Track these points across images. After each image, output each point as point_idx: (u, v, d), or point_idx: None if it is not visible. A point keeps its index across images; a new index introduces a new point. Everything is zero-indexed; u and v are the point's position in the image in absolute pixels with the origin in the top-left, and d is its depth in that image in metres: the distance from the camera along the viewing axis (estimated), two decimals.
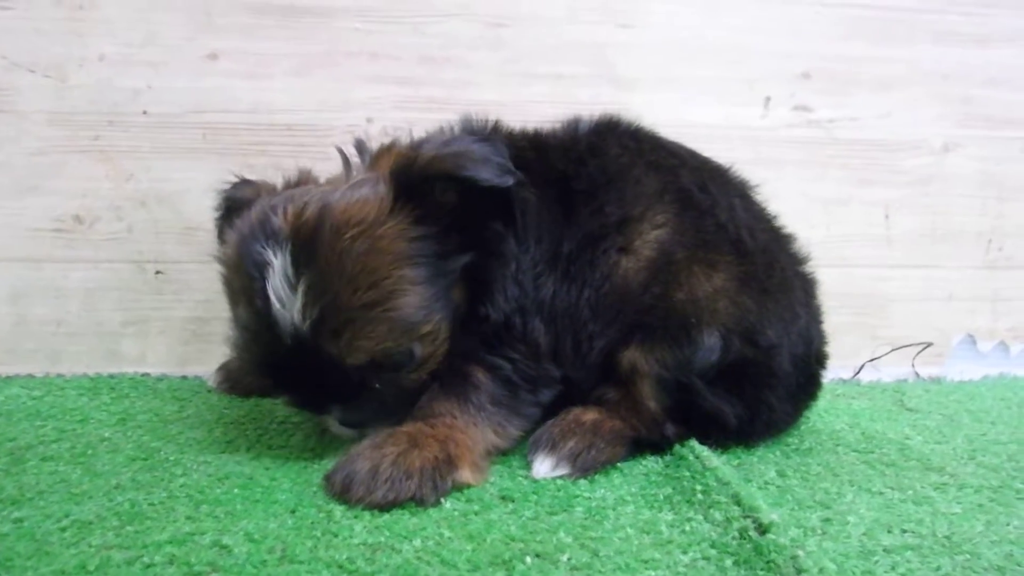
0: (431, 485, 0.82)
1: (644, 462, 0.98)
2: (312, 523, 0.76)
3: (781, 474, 0.96)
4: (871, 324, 1.47)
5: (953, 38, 1.43)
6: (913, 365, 1.49)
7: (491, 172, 0.89)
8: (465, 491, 0.85)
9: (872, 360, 1.46)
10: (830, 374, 1.33)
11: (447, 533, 0.75)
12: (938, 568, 0.74)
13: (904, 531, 0.81)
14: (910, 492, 0.92)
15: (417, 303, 0.88)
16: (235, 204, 0.99)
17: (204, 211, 1.28)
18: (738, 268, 1.00)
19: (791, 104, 1.40)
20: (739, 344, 0.97)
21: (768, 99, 1.40)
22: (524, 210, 0.96)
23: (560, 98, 1.33)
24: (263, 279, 0.84)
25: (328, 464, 0.90)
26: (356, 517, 0.78)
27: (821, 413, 1.21)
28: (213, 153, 1.28)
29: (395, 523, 0.77)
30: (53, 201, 1.26)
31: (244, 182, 1.04)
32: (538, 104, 1.33)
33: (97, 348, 1.29)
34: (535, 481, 0.90)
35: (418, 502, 0.80)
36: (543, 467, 0.92)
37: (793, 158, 1.41)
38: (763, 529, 0.76)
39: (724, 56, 1.38)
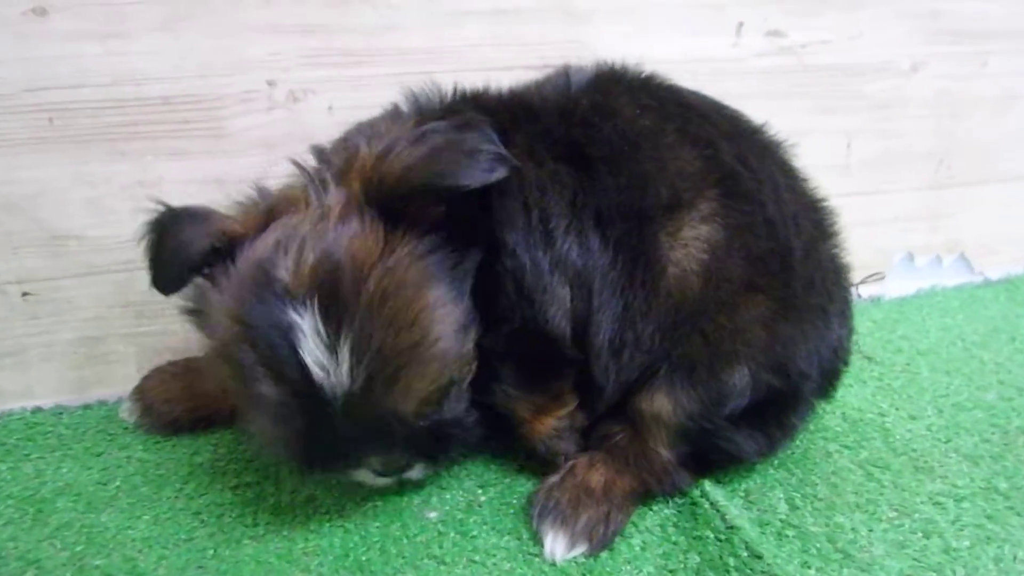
0: None
1: (655, 509, 0.86)
2: None
3: (791, 505, 0.88)
4: None
5: None
6: (856, 288, 1.40)
7: (480, 169, 0.69)
8: None
9: None
10: None
11: None
12: None
13: None
14: (916, 518, 0.86)
15: (455, 325, 0.74)
16: (178, 249, 0.73)
17: (73, 214, 0.97)
18: (782, 289, 0.81)
19: (764, 30, 1.15)
20: (767, 378, 0.81)
21: (741, 25, 1.13)
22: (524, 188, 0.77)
23: (503, 39, 1.04)
24: (292, 347, 0.68)
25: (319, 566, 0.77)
26: None
27: None
28: (68, 141, 0.93)
29: None
30: None
31: (176, 215, 0.76)
32: (477, 48, 1.04)
33: None
34: (555, 566, 0.78)
35: None
36: (558, 548, 0.79)
37: (760, 90, 1.19)
38: None
39: None
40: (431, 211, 0.72)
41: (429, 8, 0.99)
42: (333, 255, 0.69)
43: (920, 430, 1.02)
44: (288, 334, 0.68)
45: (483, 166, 0.68)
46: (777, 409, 0.85)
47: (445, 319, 0.72)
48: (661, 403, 0.80)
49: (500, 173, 0.69)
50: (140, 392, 0.99)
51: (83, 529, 0.81)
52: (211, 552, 0.78)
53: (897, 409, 1.07)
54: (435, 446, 0.77)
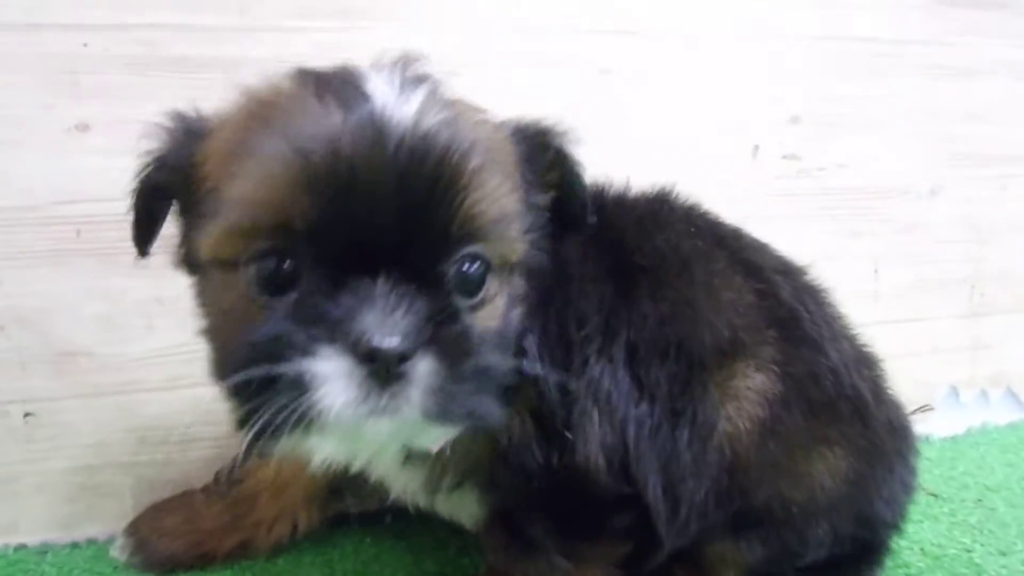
0: None
1: None
2: None
3: None
4: None
5: (937, 70, 1.23)
6: None
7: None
8: None
9: None
10: None
11: None
12: None
13: None
14: None
15: (517, 210, 0.60)
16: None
17: (84, 329, 0.92)
18: (861, 440, 0.73)
19: (780, 153, 1.16)
20: (851, 530, 0.72)
21: (756, 148, 1.14)
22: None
23: None
24: (358, 88, 0.55)
25: None
26: None
27: None
28: (91, 254, 0.90)
29: None
30: None
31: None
32: None
33: None
34: None
35: None
36: None
37: (782, 212, 1.18)
38: None
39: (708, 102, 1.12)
40: (549, 176, 0.65)
41: None
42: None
43: (1015, 564, 0.88)
44: (357, 83, 0.56)
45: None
46: (858, 561, 0.75)
47: (514, 200, 0.59)
48: (725, 549, 0.71)
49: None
50: (134, 527, 0.89)
51: None
52: None
53: (982, 545, 0.93)
54: (452, 348, 0.54)
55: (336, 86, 0.56)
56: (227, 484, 0.89)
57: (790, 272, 0.79)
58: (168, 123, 0.64)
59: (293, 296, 0.54)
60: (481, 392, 0.56)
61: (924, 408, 1.29)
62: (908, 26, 1.21)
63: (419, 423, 0.54)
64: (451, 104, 0.58)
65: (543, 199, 0.65)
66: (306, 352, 0.51)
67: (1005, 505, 1.04)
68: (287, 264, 0.54)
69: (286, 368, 0.51)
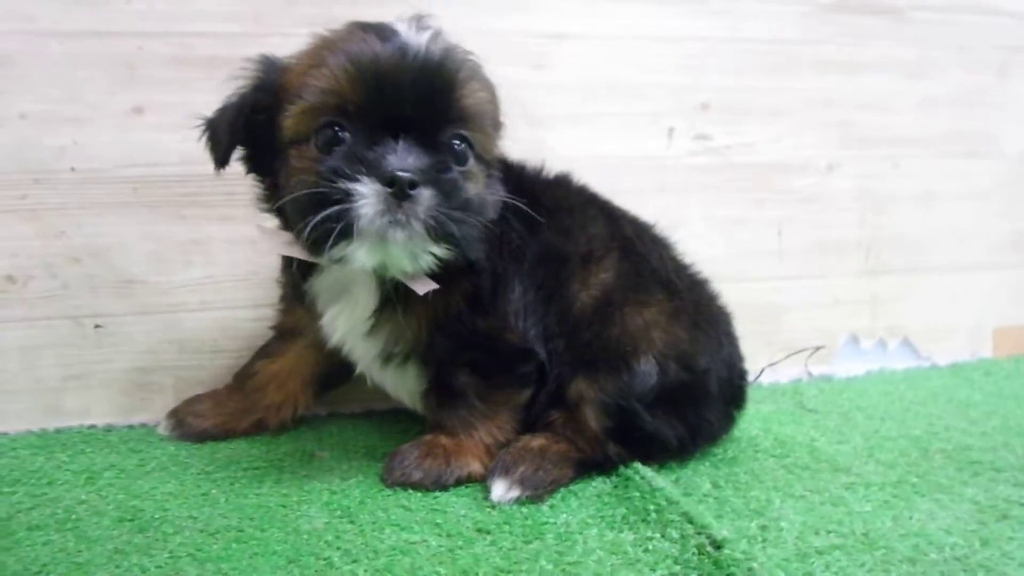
0: (445, 478, 0.95)
1: (594, 484, 0.98)
2: (315, 572, 0.75)
3: (716, 485, 0.98)
4: (767, 331, 1.51)
5: (832, 66, 1.47)
6: (806, 366, 1.53)
7: None
8: (445, 525, 0.86)
9: (771, 365, 1.50)
10: None
11: (443, 571, 0.75)
12: (863, 564, 0.78)
13: (829, 532, 0.86)
14: (827, 494, 0.96)
15: (495, 119, 0.95)
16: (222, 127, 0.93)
17: (139, 264, 1.21)
18: (669, 304, 1.03)
19: (692, 134, 1.41)
20: (675, 368, 1.00)
21: (671, 130, 1.40)
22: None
23: None
24: (390, 29, 0.87)
25: (308, 510, 0.89)
26: (355, 562, 0.77)
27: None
28: (144, 206, 1.19)
29: (393, 565, 0.76)
30: None
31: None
32: None
33: (39, 404, 1.19)
34: (503, 511, 0.90)
35: (441, 486, 0.95)
36: (498, 490, 0.92)
37: (695, 183, 1.43)
38: (718, 544, 0.79)
39: (631, 93, 1.37)
40: None
41: None
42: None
43: (846, 450, 1.12)
44: (390, 27, 0.87)
45: None
46: (689, 400, 1.01)
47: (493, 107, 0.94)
48: (582, 386, 0.98)
49: None
50: (174, 412, 1.16)
51: (123, 487, 0.95)
52: (222, 500, 0.91)
53: (826, 438, 1.16)
54: (447, 186, 0.84)
55: (376, 28, 0.88)
56: (243, 378, 1.17)
57: (637, 223, 1.12)
58: (257, 61, 0.93)
59: (343, 148, 0.85)
60: (465, 225, 0.85)
61: (819, 348, 1.53)
62: (804, 30, 1.45)
63: (422, 238, 0.84)
64: (451, 43, 0.89)
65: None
66: (351, 179, 0.81)
67: (864, 416, 1.27)
68: (340, 132, 0.85)
69: (338, 186, 0.81)
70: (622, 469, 0.98)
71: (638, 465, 0.98)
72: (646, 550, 0.79)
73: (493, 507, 0.90)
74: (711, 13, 1.41)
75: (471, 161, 0.90)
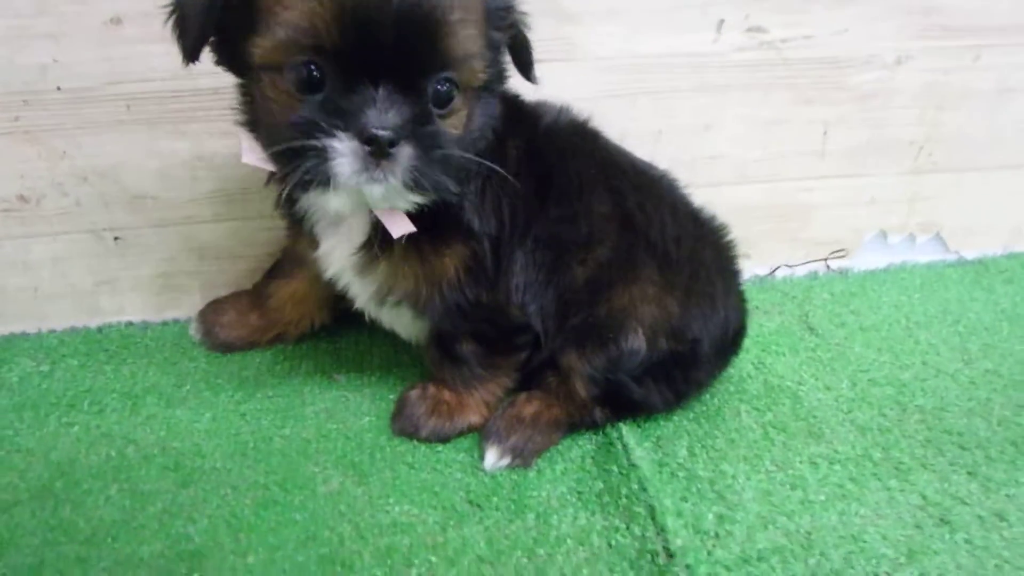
0: (447, 432, 1.06)
1: (579, 443, 1.08)
2: (329, 550, 0.89)
3: (691, 452, 1.06)
4: (791, 228, 1.47)
5: None
6: (826, 261, 1.51)
7: None
8: (442, 495, 0.98)
9: (787, 266, 1.48)
10: (747, 273, 1.38)
11: (433, 559, 0.89)
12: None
13: (777, 527, 0.95)
14: (790, 471, 1.03)
15: (482, 51, 0.84)
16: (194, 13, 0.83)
17: (147, 180, 1.20)
18: (660, 277, 1.03)
19: (745, 26, 1.23)
20: (665, 341, 1.03)
21: (721, 22, 1.22)
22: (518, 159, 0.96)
23: None
24: None
25: (324, 463, 1.01)
26: (362, 539, 0.91)
27: None
28: (141, 123, 1.14)
29: (393, 549, 0.90)
30: None
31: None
32: None
33: (77, 305, 1.29)
34: (493, 478, 1.01)
35: (443, 440, 1.06)
36: (491, 458, 1.03)
37: (739, 82, 1.28)
38: (670, 553, 0.90)
39: None
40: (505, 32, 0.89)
41: None
42: None
43: (828, 400, 1.16)
44: None
45: None
46: (679, 368, 1.05)
47: (481, 36, 0.84)
48: (572, 358, 1.04)
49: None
50: (202, 316, 1.24)
51: (164, 420, 1.08)
52: (251, 445, 1.04)
53: (816, 379, 1.21)
54: (426, 140, 0.80)
55: None
56: (261, 296, 1.23)
57: (643, 186, 1.05)
58: None
59: (319, 96, 0.78)
60: (444, 174, 0.82)
61: (838, 253, 1.50)
62: None
63: (399, 189, 0.82)
64: None
65: (501, 39, 0.89)
66: (328, 134, 0.76)
67: (861, 346, 1.29)
68: (316, 72, 0.78)
69: (315, 142, 0.77)
70: (608, 429, 1.07)
71: (623, 427, 1.07)
72: (610, 544, 0.90)
73: (485, 474, 1.01)
74: None
75: (456, 100, 0.84)
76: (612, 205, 1.02)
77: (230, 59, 0.87)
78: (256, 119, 0.88)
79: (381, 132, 0.75)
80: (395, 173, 0.79)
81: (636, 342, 1.01)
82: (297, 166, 0.78)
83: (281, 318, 1.23)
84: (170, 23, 0.85)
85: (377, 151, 0.76)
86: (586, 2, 1.17)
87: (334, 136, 0.76)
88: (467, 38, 0.80)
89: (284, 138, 0.79)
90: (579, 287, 1.01)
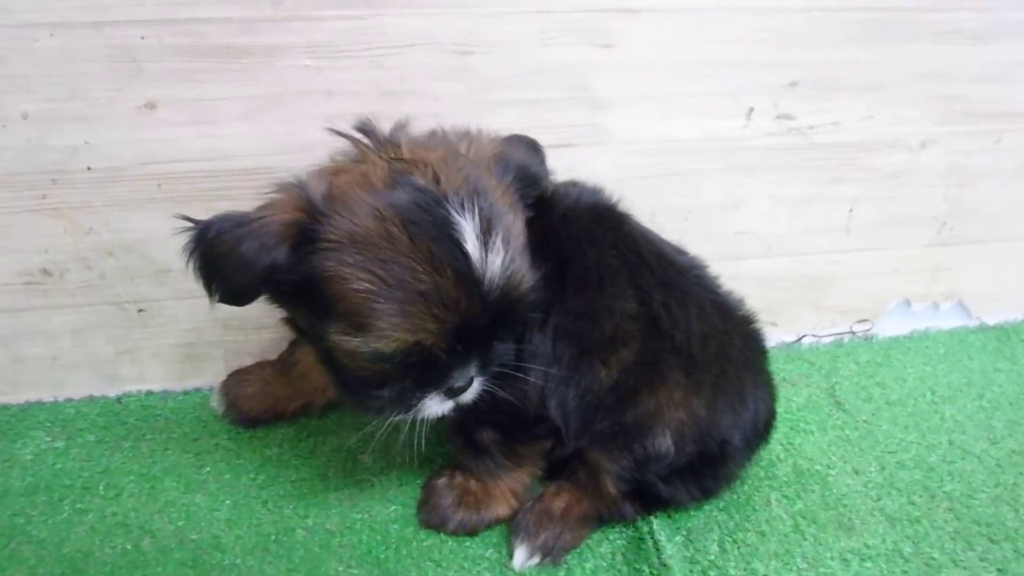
0: (475, 525, 1.06)
1: (610, 538, 1.07)
2: None
3: (722, 548, 1.05)
4: (815, 297, 1.47)
5: (953, 36, 1.22)
6: (851, 328, 1.52)
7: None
8: None
9: (813, 335, 1.49)
10: (773, 339, 1.38)
11: None
12: None
13: None
14: (821, 570, 1.03)
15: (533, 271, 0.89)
16: (244, 266, 0.81)
17: (173, 254, 1.17)
18: (687, 380, 1.01)
19: (774, 114, 1.23)
20: (693, 444, 1.02)
21: (751, 110, 1.22)
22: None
23: (530, 122, 1.16)
24: (456, 242, 0.78)
25: (348, 559, 1.01)
26: None
27: None
28: (171, 201, 1.13)
29: None
30: (14, 259, 1.14)
31: (217, 229, 0.85)
32: (508, 129, 1.15)
33: (98, 373, 1.27)
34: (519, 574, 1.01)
35: (471, 533, 1.06)
36: (520, 558, 1.02)
37: (767, 163, 1.29)
38: None
39: (707, 70, 1.18)
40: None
41: (467, 99, 1.13)
42: (470, 174, 0.82)
43: (857, 486, 1.16)
44: (451, 230, 0.77)
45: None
46: (709, 467, 1.04)
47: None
48: (598, 457, 1.02)
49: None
50: (225, 388, 1.23)
51: (183, 507, 1.07)
52: (272, 538, 1.02)
53: (844, 463, 1.20)
54: (496, 362, 0.91)
55: (431, 231, 0.78)
56: (286, 365, 1.22)
57: (669, 283, 1.02)
58: (294, 197, 0.84)
59: (411, 377, 0.86)
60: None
61: (862, 322, 1.51)
62: None
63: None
64: (490, 197, 0.82)
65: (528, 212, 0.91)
66: (419, 399, 0.88)
67: (888, 423, 1.29)
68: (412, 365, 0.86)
69: (404, 401, 0.88)
70: (639, 523, 1.07)
71: (654, 523, 1.06)
72: None
73: (514, 573, 1.00)
74: None
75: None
76: (638, 304, 0.99)
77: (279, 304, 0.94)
78: (325, 358, 0.90)
79: (458, 385, 0.88)
80: (465, 399, 0.90)
81: (664, 446, 0.99)
82: (380, 410, 0.89)
83: (307, 385, 1.21)
84: (192, 262, 0.86)
85: (452, 393, 0.89)
86: (616, 89, 1.17)
87: (424, 398, 0.87)
88: (531, 290, 0.86)
89: (368, 395, 0.88)
90: (604, 392, 0.99)
